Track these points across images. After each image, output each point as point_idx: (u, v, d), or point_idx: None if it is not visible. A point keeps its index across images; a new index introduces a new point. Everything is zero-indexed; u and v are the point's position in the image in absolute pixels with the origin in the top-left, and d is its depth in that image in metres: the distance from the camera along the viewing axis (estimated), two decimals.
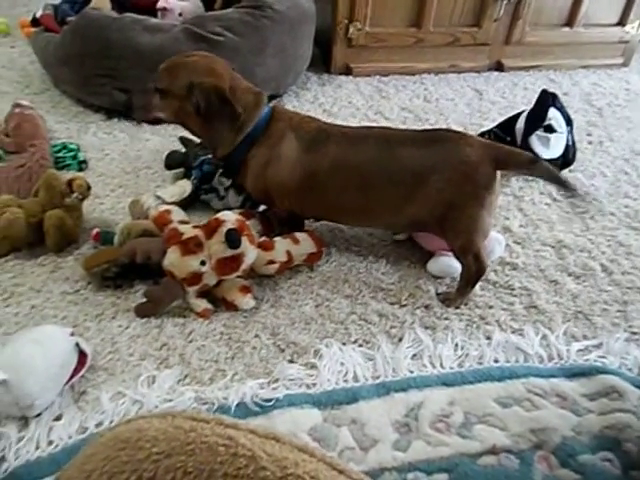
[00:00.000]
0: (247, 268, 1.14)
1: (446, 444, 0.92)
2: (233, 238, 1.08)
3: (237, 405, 0.95)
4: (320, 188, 1.19)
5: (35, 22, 1.94)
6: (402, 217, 1.19)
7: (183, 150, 1.50)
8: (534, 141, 1.58)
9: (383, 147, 1.15)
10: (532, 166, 1.14)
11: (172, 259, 1.10)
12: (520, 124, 1.63)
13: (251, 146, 1.20)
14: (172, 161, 1.49)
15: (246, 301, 1.13)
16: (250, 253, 1.12)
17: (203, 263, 1.09)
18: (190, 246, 1.09)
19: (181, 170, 1.48)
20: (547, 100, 1.63)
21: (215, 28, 1.67)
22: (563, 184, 1.16)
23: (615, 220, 1.48)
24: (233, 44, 1.68)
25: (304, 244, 1.22)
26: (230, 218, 1.12)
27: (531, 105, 1.66)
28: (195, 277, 1.10)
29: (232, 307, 1.14)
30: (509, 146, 1.19)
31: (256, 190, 1.25)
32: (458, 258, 1.19)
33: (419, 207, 1.15)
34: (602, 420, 0.96)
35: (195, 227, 1.13)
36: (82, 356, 0.98)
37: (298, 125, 1.21)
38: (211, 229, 1.11)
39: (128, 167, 1.54)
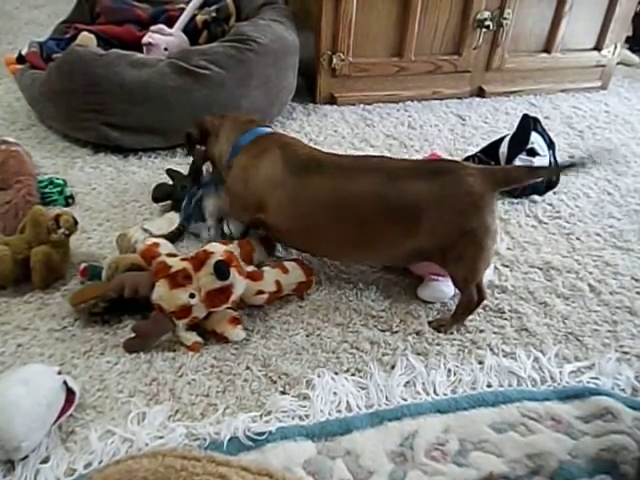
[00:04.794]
0: (236, 299, 1.14)
1: (442, 473, 0.90)
2: (222, 270, 1.08)
3: (229, 440, 0.93)
4: (307, 218, 1.18)
5: (21, 59, 1.95)
6: (402, 251, 1.17)
7: (170, 182, 1.50)
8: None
9: (384, 181, 1.13)
10: (532, 174, 1.15)
11: (161, 292, 1.09)
12: (503, 148, 1.66)
13: (237, 152, 1.29)
14: (159, 194, 1.48)
15: (236, 333, 1.12)
16: (239, 284, 1.11)
17: (192, 296, 1.09)
18: (178, 279, 1.09)
19: (168, 203, 1.48)
20: (529, 124, 1.66)
21: (200, 62, 1.69)
22: (568, 167, 1.18)
23: (601, 240, 1.50)
24: (218, 77, 1.70)
25: (293, 273, 1.22)
26: (218, 250, 1.12)
27: (513, 129, 1.69)
28: (184, 310, 1.09)
29: (222, 339, 1.13)
30: (501, 166, 1.21)
31: (234, 194, 1.29)
32: (459, 288, 1.18)
33: (422, 240, 1.13)
34: (598, 443, 0.95)
35: (183, 259, 1.13)
36: (70, 394, 0.96)
37: (287, 145, 1.24)
38: (199, 261, 1.10)
39: (115, 201, 1.54)
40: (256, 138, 1.29)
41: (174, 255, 1.18)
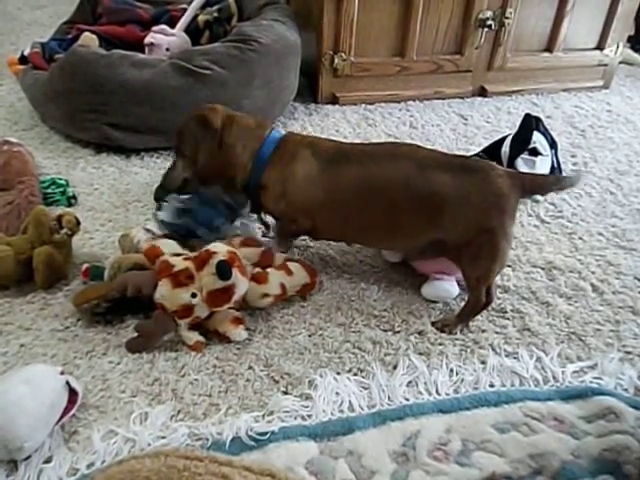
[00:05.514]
0: (239, 299, 1.14)
1: (445, 473, 0.90)
2: (224, 270, 1.08)
3: (232, 440, 0.93)
4: (342, 207, 1.19)
5: (23, 60, 1.96)
6: (423, 240, 1.18)
7: None
8: (520, 164, 1.61)
9: (414, 169, 1.14)
10: (559, 183, 1.16)
11: (163, 292, 1.09)
12: (505, 148, 1.66)
13: (264, 168, 1.21)
14: (161, 194, 1.48)
15: (238, 333, 1.12)
16: (241, 284, 1.11)
17: (194, 295, 1.09)
18: (181, 278, 1.09)
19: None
20: (531, 124, 1.66)
21: (202, 62, 1.70)
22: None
23: (603, 240, 1.49)
24: (220, 77, 1.70)
25: (298, 275, 1.22)
26: (221, 250, 1.12)
27: (515, 129, 1.69)
28: (186, 309, 1.09)
29: (224, 339, 1.13)
30: (530, 172, 1.22)
31: (279, 211, 1.25)
32: (470, 288, 1.18)
33: (443, 232, 1.14)
34: (600, 443, 0.95)
35: (186, 259, 1.13)
36: (73, 395, 0.96)
37: (312, 143, 1.23)
38: (202, 261, 1.10)
39: (117, 201, 1.54)
40: (277, 146, 1.22)
41: (178, 254, 1.18)
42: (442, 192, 1.12)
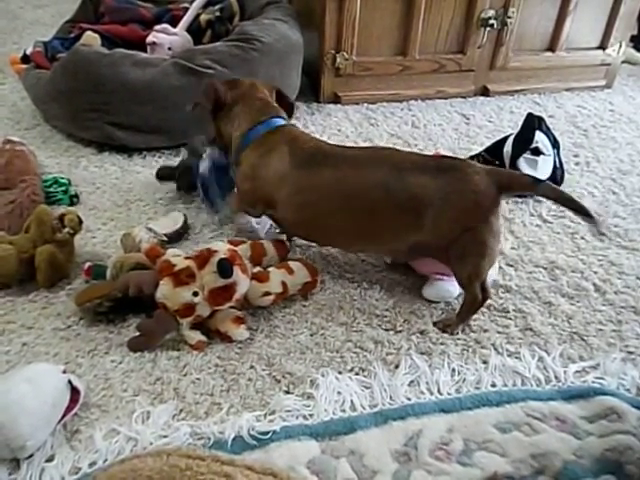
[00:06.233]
0: (240, 298, 1.14)
1: (447, 473, 0.90)
2: (225, 268, 1.08)
3: (234, 439, 0.93)
4: (311, 207, 1.19)
5: (25, 59, 1.96)
6: (404, 244, 1.18)
7: (175, 164, 1.56)
8: (522, 164, 1.60)
9: (391, 173, 1.14)
10: (535, 187, 1.15)
11: (164, 291, 1.09)
12: (508, 148, 1.66)
13: (244, 148, 1.28)
14: (164, 173, 1.55)
15: (240, 332, 1.12)
16: (243, 282, 1.12)
17: (196, 294, 1.09)
18: (182, 277, 1.09)
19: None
20: (533, 123, 1.66)
21: (204, 61, 1.70)
22: (567, 201, 1.14)
23: (605, 240, 1.49)
24: (222, 76, 1.69)
25: (299, 274, 1.22)
26: (221, 248, 1.12)
27: (517, 129, 1.69)
28: (188, 308, 1.09)
29: (226, 338, 1.13)
30: (508, 170, 1.21)
31: (244, 191, 1.30)
32: (463, 287, 1.18)
33: (425, 235, 1.14)
34: (603, 443, 0.95)
35: (187, 258, 1.13)
36: (75, 393, 0.96)
37: (294, 139, 1.24)
38: (203, 259, 1.10)
39: (120, 200, 1.54)
40: (266, 133, 1.27)
41: (178, 255, 1.18)
42: (420, 194, 1.12)
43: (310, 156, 1.20)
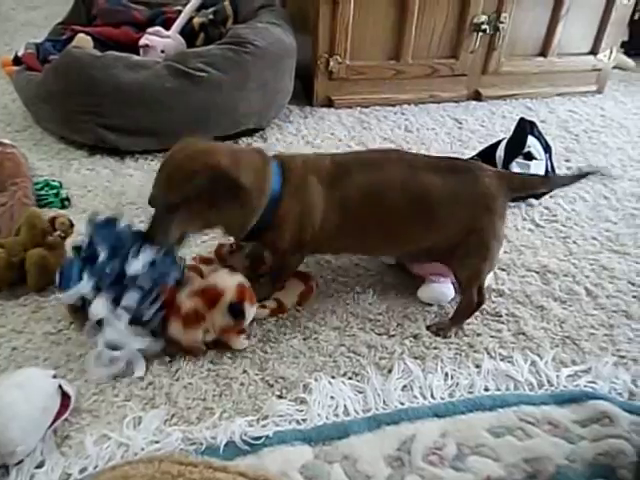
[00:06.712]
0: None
1: (440, 477, 0.90)
2: (237, 311, 1.07)
3: (226, 444, 0.93)
4: (350, 220, 1.14)
5: (17, 61, 1.95)
6: (422, 244, 1.18)
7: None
8: (514, 168, 1.61)
9: (407, 172, 1.14)
10: (547, 182, 1.16)
11: (175, 332, 1.07)
12: (500, 152, 1.66)
13: (277, 208, 1.11)
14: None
15: (240, 342, 1.12)
16: (251, 312, 1.11)
17: (207, 331, 1.08)
18: (191, 319, 1.06)
19: None
20: (525, 128, 1.67)
21: (197, 64, 1.69)
22: (579, 177, 1.18)
23: (597, 244, 1.50)
24: (216, 80, 1.70)
25: (290, 287, 1.23)
26: (229, 286, 1.08)
27: (510, 133, 1.69)
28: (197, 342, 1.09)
29: (222, 345, 1.12)
30: (520, 173, 1.22)
31: (292, 245, 1.16)
32: (461, 289, 1.19)
33: (437, 235, 1.15)
34: (595, 447, 0.95)
35: (192, 295, 1.08)
36: (65, 398, 0.95)
37: (313, 168, 1.15)
38: (211, 300, 1.07)
39: (111, 203, 1.53)
40: (283, 180, 1.12)
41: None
42: (433, 194, 1.13)
43: (335, 173, 1.14)
